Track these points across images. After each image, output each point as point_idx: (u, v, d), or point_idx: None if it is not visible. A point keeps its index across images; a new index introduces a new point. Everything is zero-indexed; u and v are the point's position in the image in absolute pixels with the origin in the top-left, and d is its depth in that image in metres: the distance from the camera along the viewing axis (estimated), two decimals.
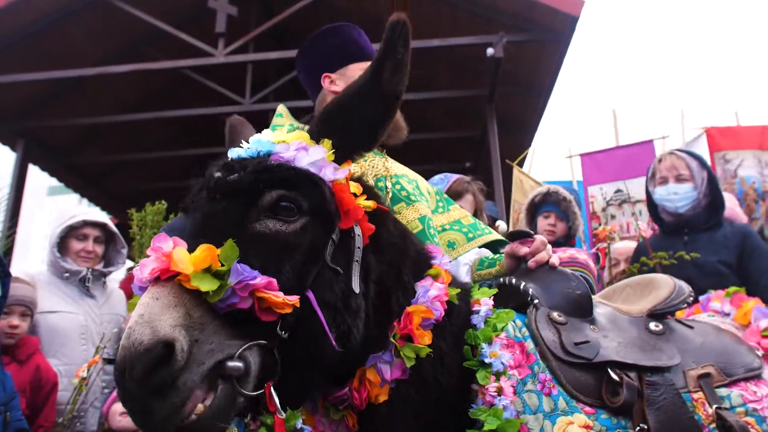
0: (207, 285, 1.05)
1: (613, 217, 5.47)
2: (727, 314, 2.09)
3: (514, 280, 1.65)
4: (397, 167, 2.29)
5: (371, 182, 2.09)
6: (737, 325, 1.98)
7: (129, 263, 4.80)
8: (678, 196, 3.12)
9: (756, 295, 2.79)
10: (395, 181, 2.17)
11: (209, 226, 1.19)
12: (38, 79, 6.83)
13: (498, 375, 1.33)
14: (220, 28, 6.58)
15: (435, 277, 1.47)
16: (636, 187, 5.87)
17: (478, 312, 1.47)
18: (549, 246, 1.76)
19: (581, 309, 1.57)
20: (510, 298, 1.67)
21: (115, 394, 2.87)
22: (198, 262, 1.06)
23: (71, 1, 6.81)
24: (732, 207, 3.94)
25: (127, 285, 4.61)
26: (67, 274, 3.23)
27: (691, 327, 1.75)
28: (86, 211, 3.41)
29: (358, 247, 1.31)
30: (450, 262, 1.56)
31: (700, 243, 3.06)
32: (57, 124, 7.83)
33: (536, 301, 1.55)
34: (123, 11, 6.86)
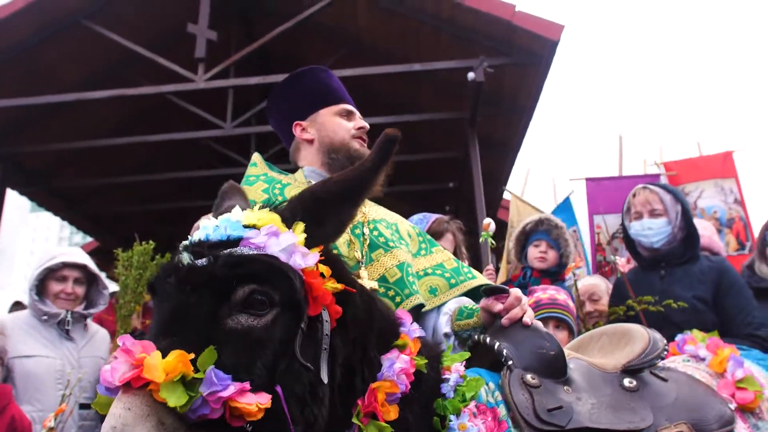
0: (174, 400, 1.03)
1: (616, 249, 5.33)
2: (702, 359, 2.11)
3: (488, 339, 1.66)
4: (375, 211, 2.26)
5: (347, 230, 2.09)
6: (712, 372, 2.01)
7: (114, 287, 4.69)
8: (653, 231, 3.13)
9: (732, 330, 2.85)
10: (372, 227, 2.15)
11: (179, 321, 1.17)
12: (17, 105, 6.74)
13: None
14: (200, 54, 6.49)
15: (401, 348, 1.45)
16: None
17: (447, 380, 1.46)
18: (525, 299, 1.77)
19: (555, 370, 1.58)
20: (485, 356, 1.68)
21: None
22: (170, 369, 1.04)
23: (49, 24, 6.74)
24: (709, 236, 3.99)
25: (104, 313, 4.50)
26: (45, 317, 3.17)
27: (665, 380, 1.78)
28: (65, 251, 3.36)
29: (326, 335, 1.28)
30: (419, 329, 1.54)
31: (676, 277, 3.08)
32: (36, 149, 7.71)
33: (510, 362, 1.56)
34: (101, 35, 6.81)
